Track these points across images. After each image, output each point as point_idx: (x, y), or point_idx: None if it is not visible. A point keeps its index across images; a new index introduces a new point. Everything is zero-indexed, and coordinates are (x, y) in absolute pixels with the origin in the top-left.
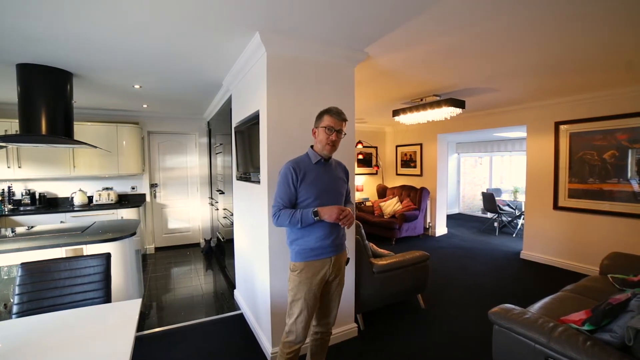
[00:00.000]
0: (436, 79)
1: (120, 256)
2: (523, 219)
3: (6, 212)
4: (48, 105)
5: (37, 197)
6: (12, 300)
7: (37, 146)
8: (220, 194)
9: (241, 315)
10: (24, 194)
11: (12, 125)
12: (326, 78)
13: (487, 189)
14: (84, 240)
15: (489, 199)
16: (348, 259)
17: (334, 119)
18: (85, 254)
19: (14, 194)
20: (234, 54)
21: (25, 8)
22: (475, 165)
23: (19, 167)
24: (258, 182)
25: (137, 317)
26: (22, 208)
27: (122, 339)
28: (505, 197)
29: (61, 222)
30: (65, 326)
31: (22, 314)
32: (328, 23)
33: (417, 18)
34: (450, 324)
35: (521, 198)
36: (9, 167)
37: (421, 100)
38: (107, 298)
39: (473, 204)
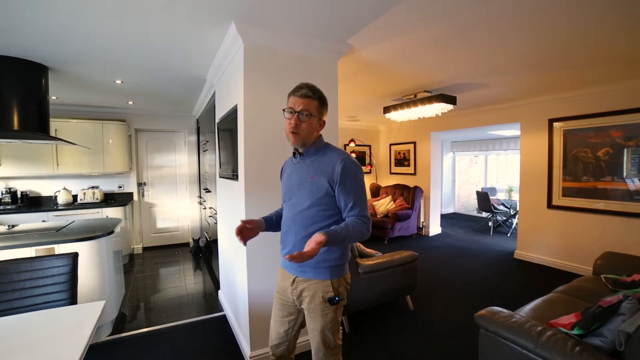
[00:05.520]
0: (425, 73)
1: (95, 256)
2: (518, 218)
3: None
4: (21, 99)
5: (18, 195)
6: None
7: (11, 142)
8: (207, 192)
9: (224, 317)
10: (4, 192)
11: None
12: (308, 71)
13: (482, 188)
14: (55, 240)
15: (484, 198)
16: (330, 297)
17: (293, 97)
18: (57, 253)
19: None
20: (213, 46)
21: None
22: (470, 164)
23: None
24: (236, 178)
25: (95, 319)
26: (2, 207)
27: (74, 343)
28: (501, 196)
29: (43, 221)
30: (14, 331)
31: None
32: (306, 12)
33: (399, 6)
34: (439, 326)
35: (516, 197)
36: None
37: (415, 96)
38: (72, 300)
39: (468, 204)
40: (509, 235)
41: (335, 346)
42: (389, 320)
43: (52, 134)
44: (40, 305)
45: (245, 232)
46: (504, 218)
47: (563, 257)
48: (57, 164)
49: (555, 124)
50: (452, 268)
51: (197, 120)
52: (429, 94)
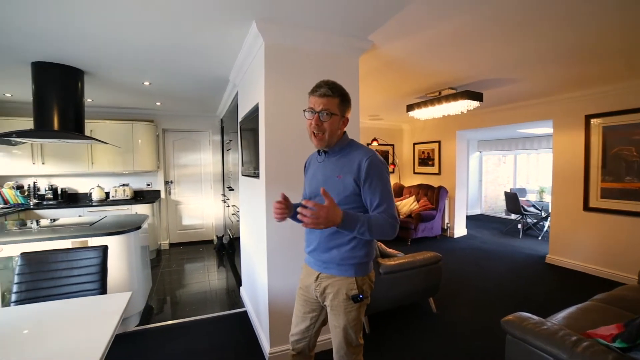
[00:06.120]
0: (449, 69)
1: (124, 249)
2: (550, 220)
3: (32, 206)
4: (60, 102)
5: (59, 192)
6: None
7: (52, 141)
8: (230, 190)
9: (245, 313)
10: (47, 189)
11: (25, 124)
12: (328, 68)
13: (510, 189)
14: (89, 233)
15: (512, 200)
16: (353, 295)
17: (312, 96)
18: (90, 246)
19: (38, 189)
20: (235, 46)
21: (40, 7)
22: (498, 164)
23: (43, 163)
24: (257, 176)
25: (122, 309)
26: (45, 202)
27: (102, 330)
28: (531, 197)
29: (79, 216)
30: (53, 316)
31: (19, 302)
32: (326, 8)
33: None
34: (462, 329)
35: (548, 199)
36: (34, 164)
37: (439, 93)
38: (102, 290)
39: (496, 205)
40: (540, 238)
41: (357, 345)
42: (410, 322)
43: (87, 134)
44: (75, 293)
45: (281, 209)
46: (535, 220)
47: (601, 263)
48: (92, 163)
49: (593, 121)
50: (478, 271)
51: (221, 120)
52: (454, 91)
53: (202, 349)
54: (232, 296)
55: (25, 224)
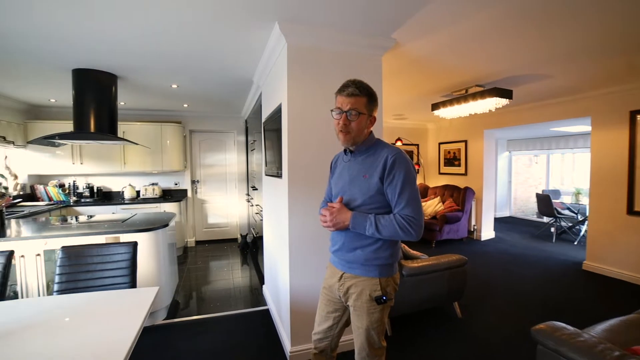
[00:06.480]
0: (476, 66)
1: (152, 246)
2: (587, 224)
3: (71, 203)
4: (96, 105)
5: (95, 190)
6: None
7: (89, 143)
8: (254, 190)
9: (267, 311)
10: (84, 187)
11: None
12: (351, 68)
13: (542, 191)
14: (121, 230)
15: (545, 202)
16: (377, 296)
17: (340, 96)
18: (121, 241)
19: (77, 187)
20: (259, 48)
21: (80, 18)
22: (529, 164)
23: (81, 163)
24: (280, 176)
25: (150, 303)
26: (83, 200)
27: (131, 322)
28: (566, 199)
29: (112, 213)
30: (88, 306)
31: (60, 292)
32: (348, 7)
33: None
34: (488, 337)
35: (585, 201)
36: (73, 164)
37: (465, 91)
38: (132, 284)
39: (527, 207)
40: (575, 243)
41: (380, 347)
42: (434, 326)
43: (120, 135)
44: (108, 286)
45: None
46: (570, 224)
47: None
48: (125, 163)
49: None
50: (506, 275)
51: (246, 121)
52: (482, 89)
53: (225, 344)
54: (255, 294)
55: (66, 220)
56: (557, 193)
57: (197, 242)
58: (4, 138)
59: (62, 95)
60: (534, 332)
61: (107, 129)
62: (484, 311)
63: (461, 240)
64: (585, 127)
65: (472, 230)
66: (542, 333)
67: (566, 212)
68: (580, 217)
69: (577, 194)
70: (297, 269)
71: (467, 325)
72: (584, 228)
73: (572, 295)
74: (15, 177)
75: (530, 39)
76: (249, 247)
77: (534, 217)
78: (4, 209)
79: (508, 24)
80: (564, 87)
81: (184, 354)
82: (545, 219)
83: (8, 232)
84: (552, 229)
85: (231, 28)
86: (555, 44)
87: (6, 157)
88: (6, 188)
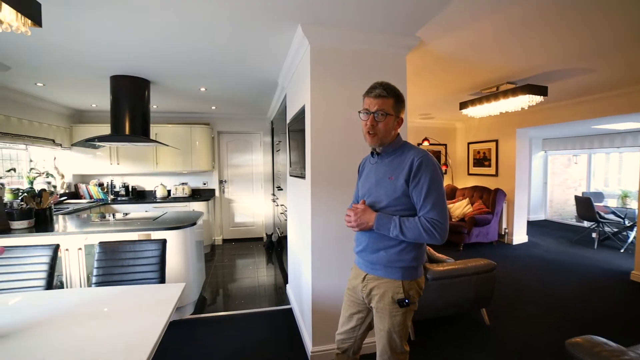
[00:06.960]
0: (508, 63)
1: (180, 243)
2: (636, 231)
3: (109, 201)
4: (131, 109)
5: (130, 189)
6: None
7: (124, 144)
8: (279, 190)
9: (290, 310)
10: (121, 186)
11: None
12: (374, 68)
13: (582, 193)
14: (152, 227)
15: (585, 205)
16: (399, 299)
17: (367, 98)
18: (152, 239)
19: (114, 186)
20: (283, 50)
21: (117, 28)
22: (568, 165)
23: (118, 164)
24: (303, 177)
25: (177, 298)
26: (119, 198)
27: (159, 315)
28: (611, 203)
29: (145, 211)
30: (122, 299)
31: (98, 284)
32: (371, 6)
33: None
34: (518, 347)
35: (633, 205)
36: (111, 164)
37: (496, 89)
38: (161, 279)
39: (564, 210)
40: (622, 251)
41: (402, 352)
42: (460, 332)
43: (153, 137)
44: (138, 280)
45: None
46: (615, 230)
47: None
48: (157, 163)
49: None
50: (539, 283)
51: (271, 122)
52: (513, 85)
53: (248, 342)
54: (279, 293)
55: (104, 217)
56: (599, 196)
57: (224, 241)
58: (53, 141)
59: (102, 100)
60: (570, 346)
61: (141, 132)
62: (514, 319)
63: (491, 243)
64: (634, 124)
65: (502, 233)
66: (579, 347)
67: (611, 216)
68: (627, 223)
69: (624, 196)
70: (319, 270)
71: (495, 333)
72: (632, 234)
73: (616, 308)
74: (62, 176)
75: (569, 30)
76: (274, 246)
77: (573, 221)
78: (52, 205)
79: (544, 17)
80: (608, 81)
81: (209, 349)
82: (586, 224)
83: (56, 227)
84: (594, 235)
85: (256, 31)
86: (600, 34)
87: (55, 158)
88: (54, 187)
